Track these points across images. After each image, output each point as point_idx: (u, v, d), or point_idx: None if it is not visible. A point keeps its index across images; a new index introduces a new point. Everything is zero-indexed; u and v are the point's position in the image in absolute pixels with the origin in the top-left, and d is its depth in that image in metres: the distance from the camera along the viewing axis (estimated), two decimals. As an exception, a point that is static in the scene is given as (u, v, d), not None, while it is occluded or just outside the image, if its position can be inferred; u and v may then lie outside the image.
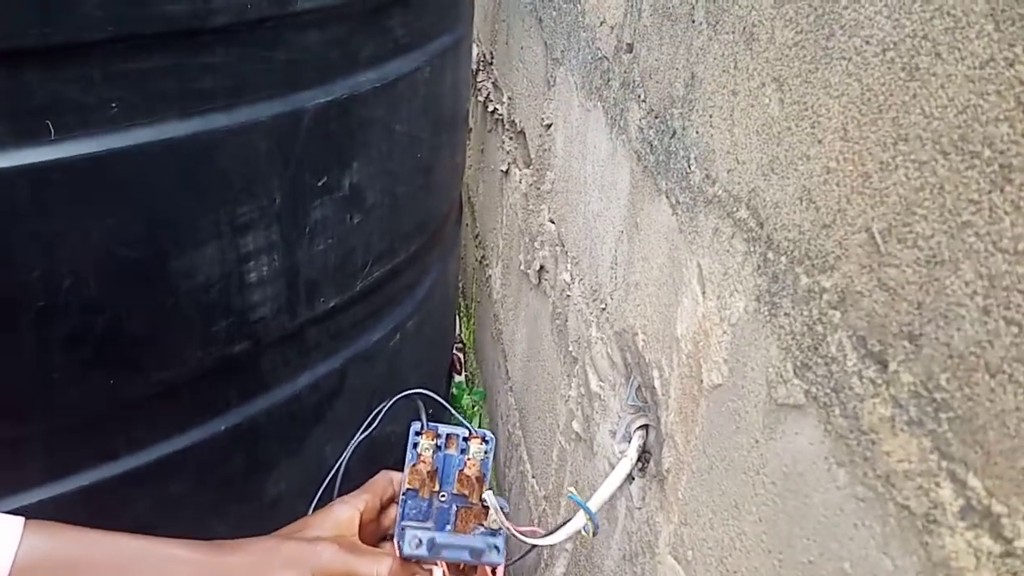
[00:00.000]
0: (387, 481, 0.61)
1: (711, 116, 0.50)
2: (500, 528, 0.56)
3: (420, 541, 0.54)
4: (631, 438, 0.69)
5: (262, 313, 0.80)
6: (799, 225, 0.41)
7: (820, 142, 0.39)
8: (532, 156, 1.12)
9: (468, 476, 0.59)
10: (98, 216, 0.63)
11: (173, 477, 0.80)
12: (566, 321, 0.92)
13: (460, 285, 1.83)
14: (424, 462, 0.60)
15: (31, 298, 0.62)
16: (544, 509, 1.04)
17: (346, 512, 0.57)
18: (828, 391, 0.38)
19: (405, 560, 0.55)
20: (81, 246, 0.63)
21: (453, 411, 0.66)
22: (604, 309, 0.76)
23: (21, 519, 0.47)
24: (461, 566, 0.57)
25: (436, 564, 0.56)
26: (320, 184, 0.81)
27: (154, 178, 0.66)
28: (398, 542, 0.57)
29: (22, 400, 0.66)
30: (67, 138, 0.60)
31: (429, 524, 0.59)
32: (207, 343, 0.76)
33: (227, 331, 0.77)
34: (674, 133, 0.56)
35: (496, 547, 0.55)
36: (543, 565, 1.00)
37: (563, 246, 0.94)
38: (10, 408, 0.66)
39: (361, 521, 0.58)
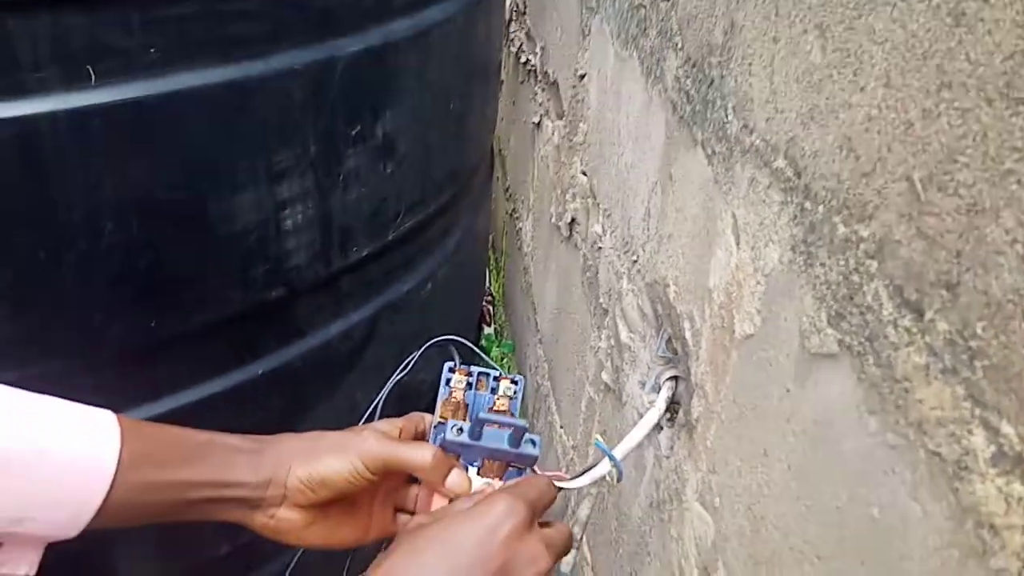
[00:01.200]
0: (420, 418, 0.63)
1: (750, 64, 0.50)
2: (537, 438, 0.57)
3: (461, 429, 0.55)
4: (660, 388, 0.70)
5: (297, 260, 0.82)
6: (838, 174, 0.40)
7: (862, 90, 0.39)
8: (565, 107, 1.11)
9: (499, 412, 0.60)
10: (139, 160, 0.65)
11: (213, 418, 0.82)
12: (597, 273, 0.92)
13: (490, 238, 1.83)
14: (455, 396, 0.61)
15: (75, 240, 0.64)
16: (572, 458, 1.05)
17: (385, 426, 0.60)
18: (862, 340, 0.38)
19: (445, 451, 0.55)
20: (123, 190, 0.65)
21: (484, 356, 0.67)
22: (635, 261, 0.77)
23: (113, 416, 0.50)
24: (493, 473, 0.58)
25: (472, 464, 0.57)
26: (354, 133, 0.81)
27: (193, 124, 0.67)
28: (437, 436, 0.58)
29: (69, 338, 0.68)
30: (108, 83, 0.61)
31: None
32: (245, 288, 0.78)
33: (264, 277, 0.79)
34: (712, 82, 0.56)
35: (532, 441, 0.55)
36: (569, 512, 1.02)
37: (595, 198, 0.94)
38: (58, 346, 0.68)
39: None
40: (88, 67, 0.59)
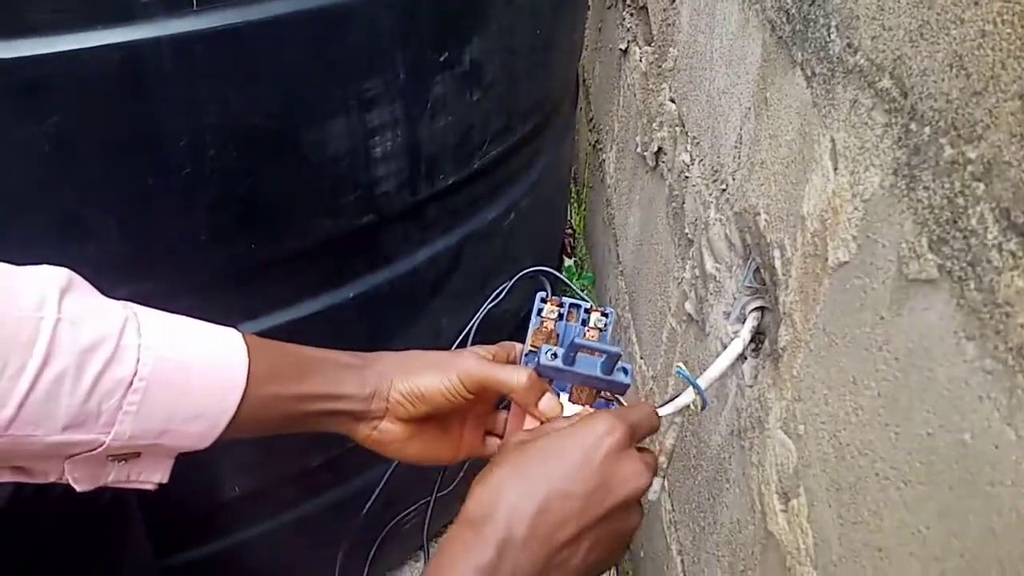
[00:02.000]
0: (511, 346, 0.64)
1: (857, -21, 0.48)
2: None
3: (555, 354, 0.56)
4: (745, 319, 0.70)
5: (386, 188, 0.83)
6: (947, 93, 0.39)
7: (976, 3, 0.37)
8: (654, 33, 1.08)
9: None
10: (238, 87, 0.67)
11: (306, 338, 0.86)
12: (683, 203, 0.91)
13: (572, 170, 1.82)
14: (547, 326, 0.62)
15: (179, 164, 0.67)
16: (652, 388, 1.06)
17: (480, 350, 0.62)
18: (964, 265, 0.38)
19: (539, 375, 0.57)
20: (223, 116, 0.67)
21: (577, 291, 0.67)
22: (724, 190, 0.75)
23: (239, 334, 0.53)
24: (583, 401, 0.59)
25: (563, 390, 0.58)
26: (441, 60, 0.81)
27: (287, 51, 0.68)
28: (529, 362, 0.59)
29: (174, 258, 0.72)
30: (209, 9, 0.63)
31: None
32: (336, 214, 0.80)
33: (354, 203, 0.81)
34: (814, 0, 0.54)
35: (624, 369, 0.56)
36: (648, 441, 1.03)
37: (683, 126, 0.92)
38: (164, 266, 0.72)
39: None
40: (190, -7, 0.61)
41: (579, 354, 0.56)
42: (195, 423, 0.50)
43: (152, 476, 0.53)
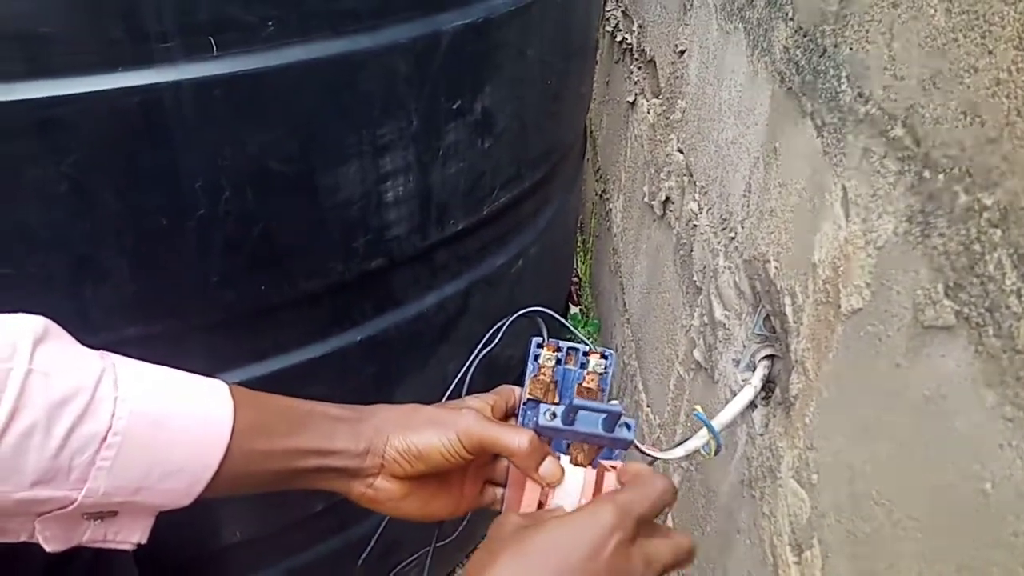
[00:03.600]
0: (510, 392, 0.63)
1: (867, 31, 0.49)
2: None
3: (554, 414, 0.54)
4: (756, 367, 0.69)
5: (397, 232, 0.84)
6: (961, 141, 0.39)
7: (991, 52, 0.37)
8: (662, 85, 1.10)
9: (587, 389, 0.60)
10: (255, 130, 0.68)
11: (312, 381, 0.86)
12: (691, 251, 0.91)
13: (579, 219, 1.83)
14: (545, 373, 0.61)
15: (194, 205, 0.67)
16: (659, 437, 1.05)
17: (477, 403, 0.60)
18: (982, 311, 0.37)
19: (538, 435, 0.54)
20: (239, 158, 0.68)
21: (573, 330, 0.66)
22: (733, 238, 0.76)
23: (225, 386, 0.51)
24: (584, 455, 0.57)
25: (564, 453, 0.57)
26: (454, 107, 0.83)
27: (304, 96, 0.69)
28: (530, 418, 0.57)
29: (186, 299, 0.72)
30: (228, 55, 0.64)
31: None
32: (347, 257, 0.80)
33: (365, 247, 0.81)
34: (824, 51, 0.54)
35: (627, 425, 0.54)
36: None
37: (691, 176, 0.93)
38: (175, 306, 0.72)
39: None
40: (210, 39, 0.62)
41: (579, 412, 0.54)
42: (174, 479, 0.48)
43: (130, 536, 0.50)
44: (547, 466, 0.54)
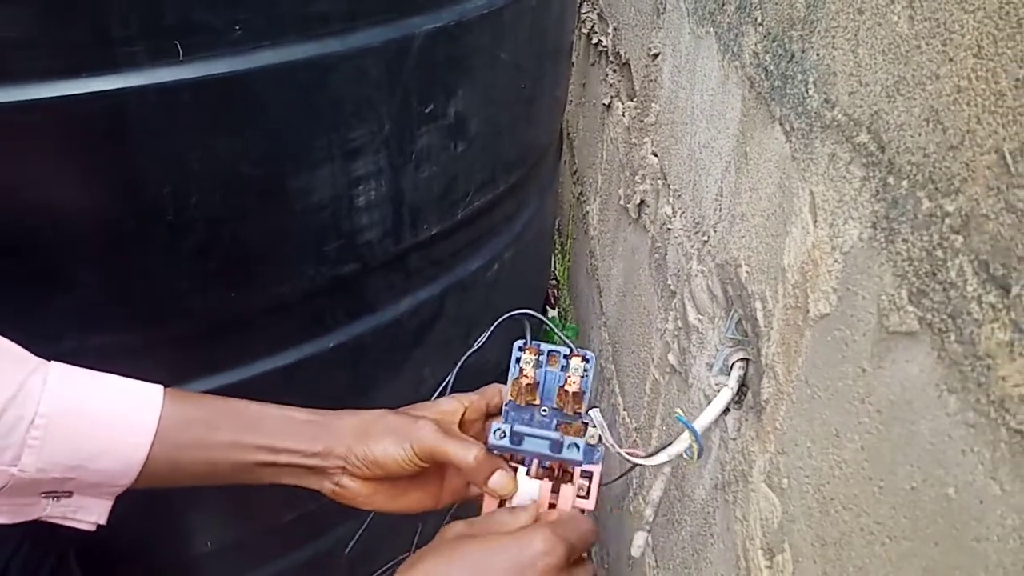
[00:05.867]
0: (496, 391, 0.64)
1: (834, 37, 0.49)
2: (597, 444, 0.57)
3: (504, 433, 0.56)
4: (729, 371, 0.69)
5: (369, 236, 0.83)
6: (924, 148, 0.39)
7: (951, 60, 0.38)
8: (636, 88, 1.10)
9: (568, 392, 0.60)
10: (223, 135, 0.67)
11: (285, 389, 0.85)
12: (665, 255, 0.92)
13: (556, 222, 1.83)
14: (526, 376, 0.61)
15: (162, 212, 0.66)
16: (635, 440, 1.05)
17: (451, 404, 0.62)
18: (944, 317, 0.38)
19: (491, 452, 0.57)
20: (207, 163, 0.67)
21: (557, 332, 0.66)
22: (706, 242, 0.76)
23: (160, 386, 0.56)
24: (555, 473, 0.59)
25: (523, 463, 0.58)
26: (426, 111, 0.82)
27: (274, 100, 0.69)
28: (509, 415, 0.60)
29: (152, 307, 0.71)
30: (195, 59, 0.63)
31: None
32: (319, 262, 0.80)
33: (337, 252, 0.81)
34: (792, 56, 0.55)
35: (576, 445, 0.56)
36: (631, 494, 1.02)
37: (665, 179, 0.93)
38: (143, 314, 0.71)
39: (464, 418, 0.62)
40: (176, 43, 0.62)
41: (525, 436, 0.57)
42: (104, 460, 0.53)
43: (88, 516, 0.56)
44: (496, 479, 0.56)
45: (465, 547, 0.50)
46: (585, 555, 0.55)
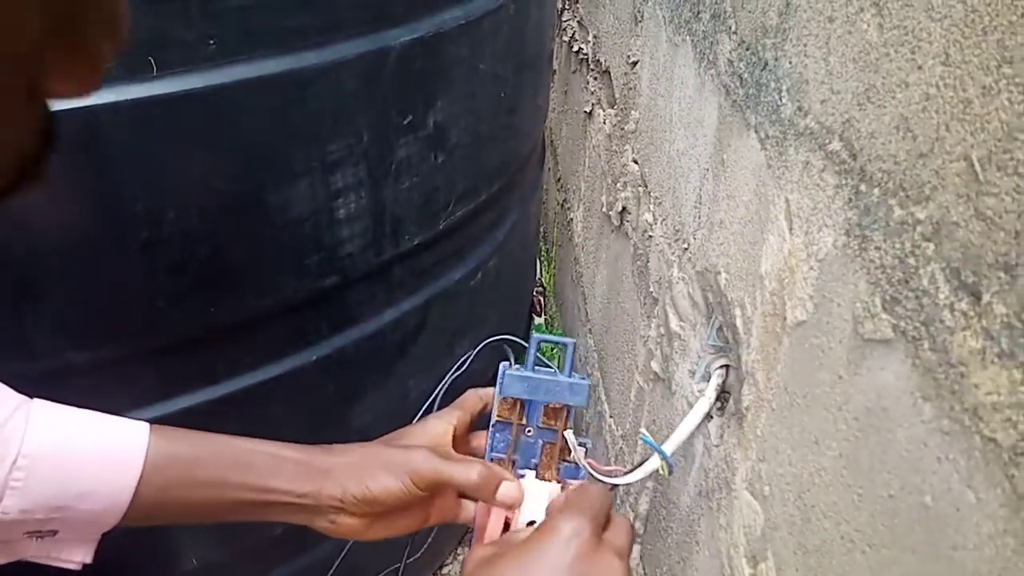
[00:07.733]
0: (476, 398, 0.64)
1: (805, 45, 0.49)
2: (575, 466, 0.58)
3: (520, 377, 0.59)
4: (710, 377, 0.69)
5: (350, 248, 0.83)
6: (894, 155, 0.40)
7: (920, 68, 0.38)
8: (616, 96, 1.11)
9: (554, 409, 0.61)
10: (198, 151, 0.66)
11: (268, 403, 0.85)
12: (647, 262, 0.92)
13: (541, 229, 1.83)
14: (509, 401, 0.62)
15: (137, 228, 0.66)
16: (621, 448, 1.05)
17: (440, 426, 0.61)
18: (917, 325, 0.38)
19: (493, 460, 0.58)
20: (183, 179, 0.66)
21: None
22: (686, 249, 0.76)
23: (146, 424, 0.54)
24: (550, 472, 0.59)
25: (528, 467, 0.59)
26: (405, 123, 0.82)
27: (250, 114, 0.68)
28: (499, 440, 0.61)
29: (130, 323, 0.70)
30: (169, 74, 0.63)
31: (515, 457, 0.61)
32: (299, 275, 0.79)
33: (318, 265, 0.80)
34: (765, 64, 0.55)
35: (558, 469, 0.58)
36: (619, 501, 1.02)
37: (646, 186, 0.93)
38: (119, 331, 0.71)
39: (454, 435, 0.61)
40: (150, 58, 0.61)
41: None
42: (90, 500, 0.51)
43: (73, 555, 0.54)
44: (504, 490, 0.56)
45: (498, 565, 0.48)
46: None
